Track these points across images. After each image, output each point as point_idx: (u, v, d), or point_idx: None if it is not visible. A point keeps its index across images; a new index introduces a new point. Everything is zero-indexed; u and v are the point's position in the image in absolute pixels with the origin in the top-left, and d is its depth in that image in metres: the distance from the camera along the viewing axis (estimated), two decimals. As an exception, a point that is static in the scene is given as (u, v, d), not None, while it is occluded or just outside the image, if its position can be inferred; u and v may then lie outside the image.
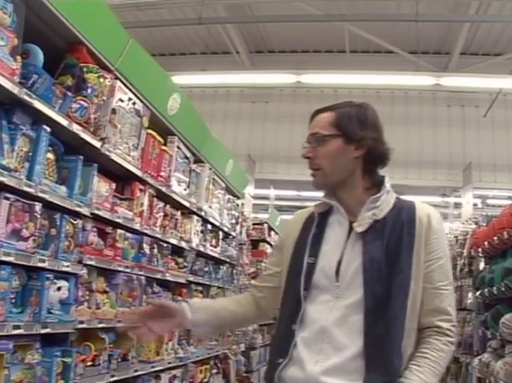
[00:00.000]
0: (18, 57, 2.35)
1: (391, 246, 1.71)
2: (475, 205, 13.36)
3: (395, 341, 1.64)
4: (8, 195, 2.36)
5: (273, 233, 10.04)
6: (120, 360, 3.36)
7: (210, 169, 5.27)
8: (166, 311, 1.86)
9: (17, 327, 2.37)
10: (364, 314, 1.66)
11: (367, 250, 1.71)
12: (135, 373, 3.57)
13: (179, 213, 4.53)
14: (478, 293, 5.99)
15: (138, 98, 3.53)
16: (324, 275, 1.75)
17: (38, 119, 2.56)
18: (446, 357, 1.69)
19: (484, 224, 6.62)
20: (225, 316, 2.00)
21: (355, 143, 1.76)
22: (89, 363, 3.02)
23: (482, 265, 6.45)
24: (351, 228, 1.77)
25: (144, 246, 3.79)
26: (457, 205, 14.23)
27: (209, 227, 5.39)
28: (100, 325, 3.10)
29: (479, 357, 5.62)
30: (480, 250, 6.07)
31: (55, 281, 2.69)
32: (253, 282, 2.21)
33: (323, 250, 1.79)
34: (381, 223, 1.74)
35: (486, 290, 5.44)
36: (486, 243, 5.62)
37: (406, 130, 12.08)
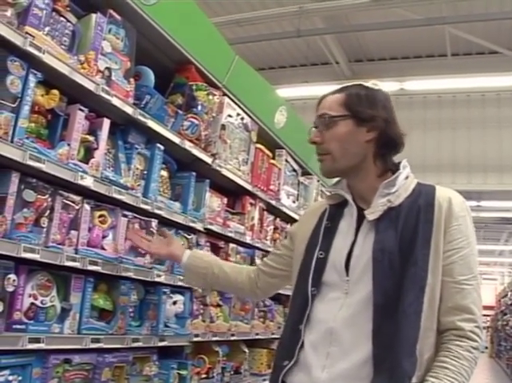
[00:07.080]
0: (131, 80, 2.44)
1: (405, 235, 1.53)
2: None
3: (406, 341, 1.45)
4: (126, 212, 2.46)
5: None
6: (232, 372, 3.40)
7: (318, 181, 5.20)
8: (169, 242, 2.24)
9: (136, 340, 2.44)
10: (373, 311, 1.49)
11: (378, 239, 1.55)
12: (248, 386, 3.59)
13: (288, 226, 4.51)
14: None
15: (246, 113, 3.56)
16: (334, 270, 1.61)
17: (152, 138, 2.64)
18: (469, 365, 1.47)
19: None
20: (218, 275, 2.06)
21: (366, 124, 1.61)
22: (203, 375, 3.07)
23: None
24: (363, 217, 1.61)
25: (256, 259, 3.80)
26: None
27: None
28: (214, 339, 3.15)
29: None
30: None
31: (171, 295, 2.76)
32: (264, 259, 2.11)
33: (335, 243, 1.65)
34: (396, 210, 1.57)
35: None
36: None
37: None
